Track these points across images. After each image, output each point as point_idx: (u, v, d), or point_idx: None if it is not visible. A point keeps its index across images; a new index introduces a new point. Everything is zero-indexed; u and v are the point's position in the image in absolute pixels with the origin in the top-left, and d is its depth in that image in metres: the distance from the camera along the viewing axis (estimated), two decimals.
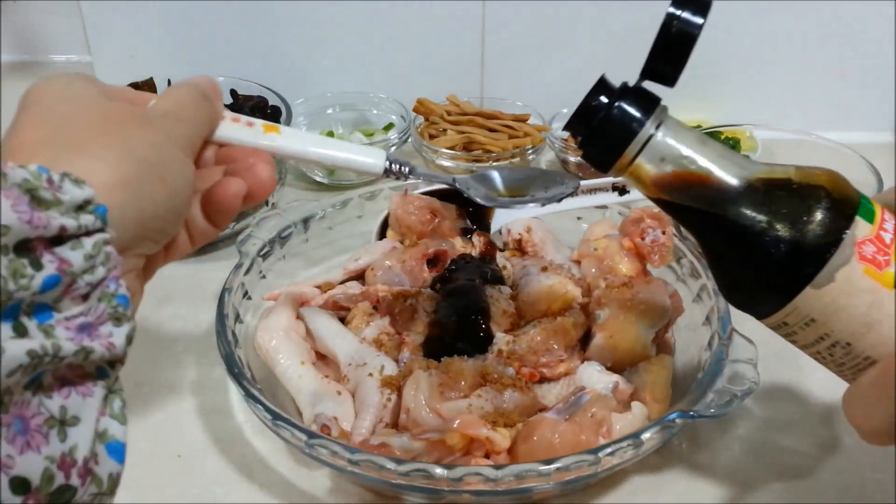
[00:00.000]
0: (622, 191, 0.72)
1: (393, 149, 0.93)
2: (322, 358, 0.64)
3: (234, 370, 0.56)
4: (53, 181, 0.31)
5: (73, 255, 0.30)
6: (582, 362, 0.61)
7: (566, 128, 0.46)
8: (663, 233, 0.66)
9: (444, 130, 0.93)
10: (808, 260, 0.40)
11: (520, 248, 0.74)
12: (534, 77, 1.00)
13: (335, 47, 1.00)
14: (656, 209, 0.67)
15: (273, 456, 0.59)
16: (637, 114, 0.43)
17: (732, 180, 0.42)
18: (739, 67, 0.98)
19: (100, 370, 0.32)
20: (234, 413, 0.63)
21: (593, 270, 0.67)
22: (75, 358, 0.30)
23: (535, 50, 0.98)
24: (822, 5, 0.93)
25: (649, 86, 0.45)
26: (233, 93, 0.91)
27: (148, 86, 0.87)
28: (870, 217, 0.41)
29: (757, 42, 0.96)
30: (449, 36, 0.98)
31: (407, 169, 0.50)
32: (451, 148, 0.91)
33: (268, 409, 0.52)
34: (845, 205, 0.41)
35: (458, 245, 0.72)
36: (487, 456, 0.53)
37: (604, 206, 0.74)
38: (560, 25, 0.97)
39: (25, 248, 0.29)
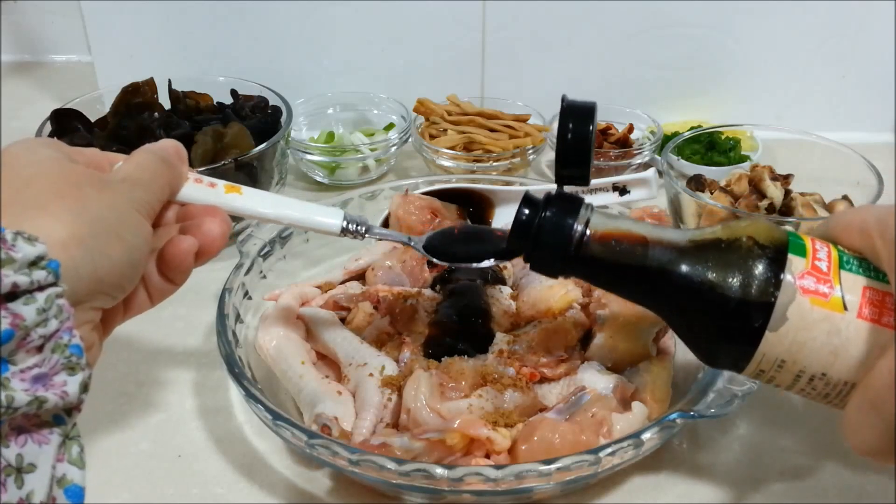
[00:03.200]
0: (622, 191, 0.72)
1: (393, 149, 0.94)
2: (322, 358, 0.64)
3: (235, 370, 0.56)
4: (6, 240, 0.32)
5: (26, 310, 0.32)
6: (582, 362, 0.61)
7: (508, 244, 0.50)
8: None
9: (445, 130, 0.93)
10: (757, 308, 0.42)
11: None
12: (534, 77, 1.00)
13: (335, 47, 1.00)
14: (657, 209, 0.67)
15: (273, 456, 0.59)
16: (565, 218, 0.47)
17: (667, 251, 0.45)
18: (739, 67, 0.98)
19: (56, 418, 0.33)
20: (235, 413, 0.63)
21: None
22: (28, 408, 0.31)
23: (536, 50, 0.98)
24: (822, 5, 0.93)
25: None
26: (233, 93, 0.91)
27: (148, 86, 0.87)
28: (801, 251, 0.43)
29: (757, 42, 0.96)
30: (449, 36, 0.98)
31: (363, 228, 0.53)
32: (452, 148, 0.91)
33: (268, 409, 0.52)
34: (775, 247, 0.43)
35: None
36: (488, 456, 0.53)
37: (604, 206, 0.74)
38: (560, 25, 0.97)
39: None
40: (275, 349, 0.62)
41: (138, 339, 0.71)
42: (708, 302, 0.43)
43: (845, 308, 0.41)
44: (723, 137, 0.90)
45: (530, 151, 0.91)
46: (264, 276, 0.69)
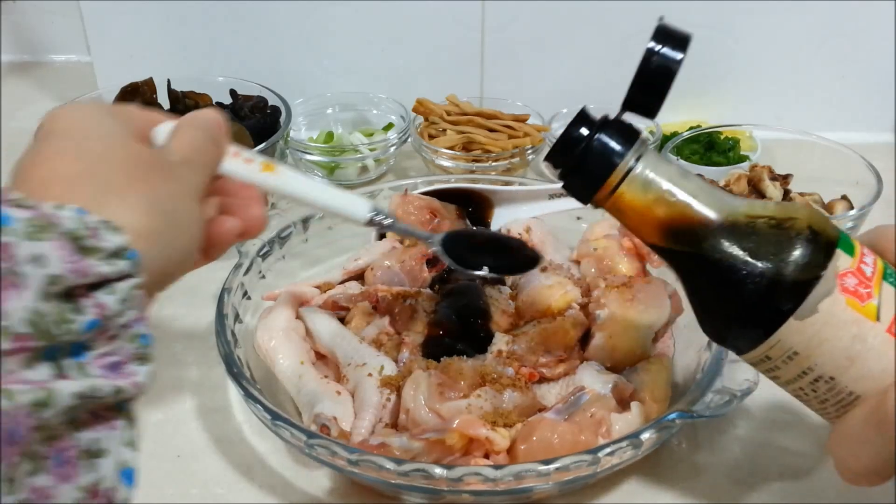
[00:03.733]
0: None
1: (392, 149, 0.93)
2: (321, 358, 0.64)
3: (234, 370, 0.56)
4: (94, 228, 0.32)
5: (109, 300, 0.32)
6: (581, 362, 0.61)
7: (547, 159, 0.46)
8: None
9: (444, 130, 0.93)
10: (792, 291, 0.40)
11: None
12: (533, 77, 1.00)
13: (335, 47, 1.00)
14: None
15: (272, 456, 0.59)
16: (617, 146, 0.43)
17: (713, 214, 0.43)
18: (739, 67, 0.98)
19: (119, 403, 0.33)
20: (234, 413, 0.63)
21: (593, 270, 0.67)
22: (109, 397, 0.32)
23: (535, 50, 0.98)
24: (822, 5, 0.93)
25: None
26: (232, 93, 0.91)
27: (148, 86, 0.87)
28: (850, 250, 0.41)
29: (757, 42, 0.96)
30: (449, 36, 0.98)
31: (389, 221, 0.53)
32: (451, 148, 0.91)
33: (267, 410, 0.52)
34: (826, 238, 0.41)
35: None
36: (487, 456, 0.53)
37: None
38: (560, 25, 0.97)
39: (68, 293, 0.31)
40: (274, 349, 0.62)
41: None
42: (743, 273, 0.41)
43: (878, 318, 0.40)
44: (722, 137, 0.90)
45: (529, 151, 0.91)
46: (263, 276, 0.69)
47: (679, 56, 0.44)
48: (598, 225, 0.71)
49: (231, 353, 0.58)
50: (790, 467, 0.58)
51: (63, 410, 0.30)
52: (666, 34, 0.45)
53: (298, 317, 0.65)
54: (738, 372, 0.54)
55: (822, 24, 0.94)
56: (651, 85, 0.44)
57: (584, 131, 0.44)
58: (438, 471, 0.48)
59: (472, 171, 0.89)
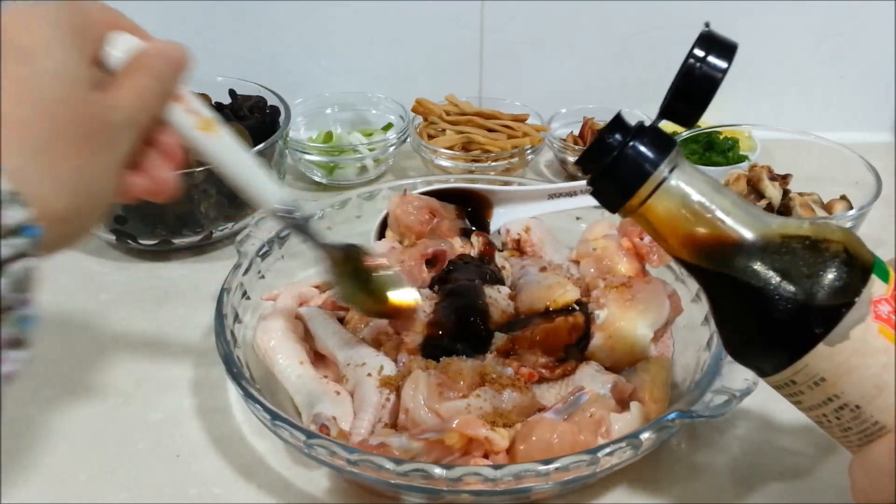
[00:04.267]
0: None
1: (392, 149, 0.93)
2: (321, 358, 0.64)
3: (233, 370, 0.56)
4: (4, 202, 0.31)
5: (2, 283, 0.31)
6: (581, 362, 0.61)
7: (577, 162, 0.45)
8: None
9: (443, 130, 0.93)
10: (824, 316, 0.39)
11: (518, 249, 0.74)
12: (533, 77, 1.00)
13: (334, 47, 1.00)
14: None
15: (272, 456, 0.59)
16: (652, 155, 0.42)
17: (746, 232, 0.41)
18: (738, 67, 0.97)
19: None
20: (233, 413, 0.63)
21: (592, 270, 0.67)
22: None
23: (535, 50, 0.98)
24: (821, 5, 0.93)
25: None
26: (232, 93, 0.91)
27: None
28: (885, 277, 0.40)
29: (756, 42, 0.96)
30: (448, 36, 0.98)
31: (297, 218, 0.52)
32: (450, 148, 0.91)
33: (266, 409, 0.52)
34: (861, 262, 0.40)
35: (457, 245, 0.72)
36: (486, 456, 0.53)
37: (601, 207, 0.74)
38: (559, 25, 0.97)
39: None
40: (273, 349, 0.62)
41: (137, 339, 0.71)
42: (774, 294, 0.40)
43: None
44: (721, 137, 0.90)
45: (528, 151, 0.91)
46: (262, 276, 0.69)
47: (724, 65, 0.43)
48: (598, 225, 0.71)
49: (230, 353, 0.58)
50: (790, 467, 0.58)
51: None
52: (711, 41, 0.43)
53: (298, 317, 0.65)
54: (738, 372, 0.54)
55: (822, 24, 0.94)
56: (693, 94, 0.43)
57: (619, 137, 0.42)
58: (438, 471, 0.48)
59: (472, 171, 0.89)
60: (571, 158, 0.93)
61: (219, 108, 0.90)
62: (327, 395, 0.58)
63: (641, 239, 0.66)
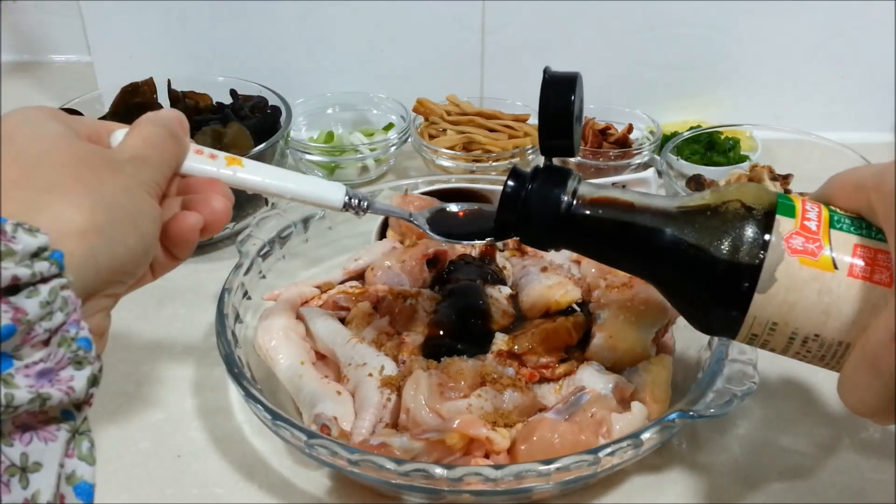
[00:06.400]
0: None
1: (393, 149, 0.93)
2: (322, 358, 0.64)
3: (234, 370, 0.56)
4: (6, 231, 0.31)
5: (29, 304, 0.31)
6: (581, 362, 0.61)
7: (497, 227, 0.49)
8: None
9: (444, 130, 0.93)
10: (745, 269, 0.42)
11: (519, 249, 0.74)
12: (534, 77, 0.99)
13: (335, 47, 1.00)
14: None
15: (273, 456, 0.59)
16: (553, 188, 0.47)
17: (656, 217, 0.45)
18: (739, 67, 0.98)
19: (65, 413, 0.32)
20: (234, 413, 0.63)
21: (593, 270, 0.67)
22: (31, 405, 0.30)
23: (535, 50, 0.98)
24: (821, 5, 0.93)
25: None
26: (233, 93, 0.91)
27: (148, 86, 0.87)
28: (790, 212, 0.42)
29: (756, 42, 0.96)
30: (449, 36, 0.98)
31: (366, 203, 0.53)
32: (451, 148, 0.91)
33: (267, 410, 0.52)
34: (763, 209, 0.43)
35: (458, 245, 0.72)
36: (487, 456, 0.53)
37: None
38: (560, 25, 0.97)
39: None
40: (274, 349, 0.62)
41: (138, 339, 0.71)
42: (697, 267, 0.43)
43: (835, 267, 0.41)
44: (722, 137, 0.90)
45: (529, 151, 0.91)
46: (264, 277, 0.69)
47: (570, 97, 0.48)
48: None
49: (231, 353, 0.58)
50: (790, 467, 0.58)
51: None
52: (552, 82, 0.50)
53: (299, 317, 0.65)
54: (739, 372, 0.54)
55: (822, 24, 0.94)
56: (556, 129, 0.48)
57: (518, 185, 0.48)
58: (439, 471, 0.48)
59: (473, 171, 0.89)
60: (571, 158, 0.93)
61: (220, 107, 0.90)
62: (328, 395, 0.58)
63: None
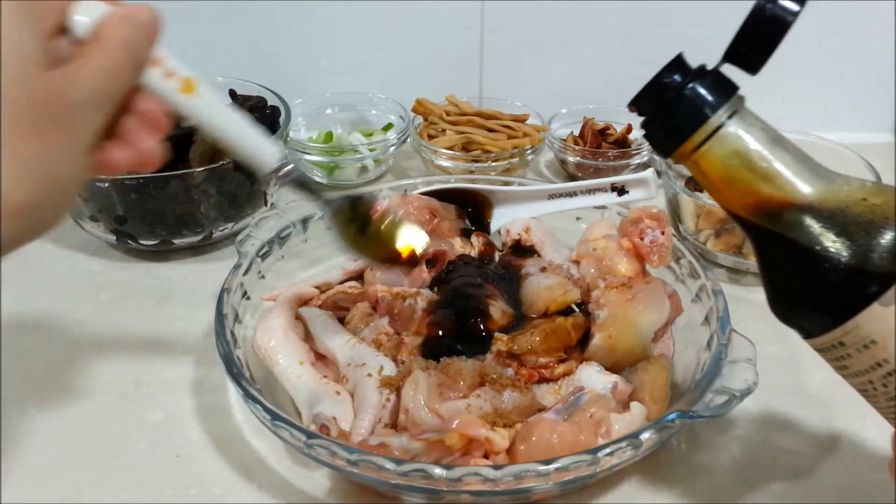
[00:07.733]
0: (621, 191, 0.72)
1: (392, 149, 0.93)
2: (321, 358, 0.64)
3: (233, 370, 0.56)
4: None
5: None
6: (581, 362, 0.61)
7: (631, 103, 0.43)
8: (662, 233, 0.66)
9: (443, 130, 0.93)
10: (879, 275, 0.38)
11: (519, 249, 0.74)
12: (533, 77, 1.00)
13: (334, 47, 1.00)
14: (655, 209, 0.67)
15: (272, 456, 0.59)
16: (710, 98, 0.40)
17: (805, 188, 0.40)
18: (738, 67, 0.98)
19: None
20: (233, 413, 0.63)
21: (592, 271, 0.67)
22: None
23: (535, 50, 0.98)
24: (821, 5, 0.93)
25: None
26: (232, 93, 0.91)
27: None
28: None
29: None
30: (448, 36, 0.98)
31: (290, 168, 0.50)
32: (450, 148, 0.91)
33: (266, 410, 0.52)
34: None
35: (458, 245, 0.72)
36: (486, 456, 0.53)
37: (603, 207, 0.74)
38: (559, 25, 0.97)
39: None
40: (273, 349, 0.62)
41: (137, 339, 0.71)
42: (828, 252, 0.39)
43: None
44: None
45: (529, 151, 0.91)
46: (263, 277, 0.69)
47: (797, 8, 0.40)
48: (598, 225, 0.71)
49: (230, 354, 0.58)
50: (790, 467, 0.58)
51: None
52: None
53: (298, 317, 0.65)
54: (738, 372, 0.54)
55: (822, 24, 0.94)
56: (759, 37, 0.41)
57: (677, 78, 0.41)
58: (438, 471, 0.48)
59: (472, 172, 0.89)
60: (571, 159, 0.93)
61: None
62: (327, 395, 0.58)
63: (642, 239, 0.66)
